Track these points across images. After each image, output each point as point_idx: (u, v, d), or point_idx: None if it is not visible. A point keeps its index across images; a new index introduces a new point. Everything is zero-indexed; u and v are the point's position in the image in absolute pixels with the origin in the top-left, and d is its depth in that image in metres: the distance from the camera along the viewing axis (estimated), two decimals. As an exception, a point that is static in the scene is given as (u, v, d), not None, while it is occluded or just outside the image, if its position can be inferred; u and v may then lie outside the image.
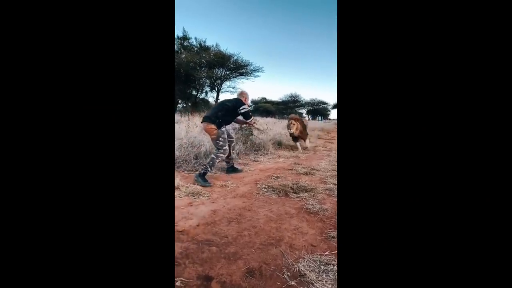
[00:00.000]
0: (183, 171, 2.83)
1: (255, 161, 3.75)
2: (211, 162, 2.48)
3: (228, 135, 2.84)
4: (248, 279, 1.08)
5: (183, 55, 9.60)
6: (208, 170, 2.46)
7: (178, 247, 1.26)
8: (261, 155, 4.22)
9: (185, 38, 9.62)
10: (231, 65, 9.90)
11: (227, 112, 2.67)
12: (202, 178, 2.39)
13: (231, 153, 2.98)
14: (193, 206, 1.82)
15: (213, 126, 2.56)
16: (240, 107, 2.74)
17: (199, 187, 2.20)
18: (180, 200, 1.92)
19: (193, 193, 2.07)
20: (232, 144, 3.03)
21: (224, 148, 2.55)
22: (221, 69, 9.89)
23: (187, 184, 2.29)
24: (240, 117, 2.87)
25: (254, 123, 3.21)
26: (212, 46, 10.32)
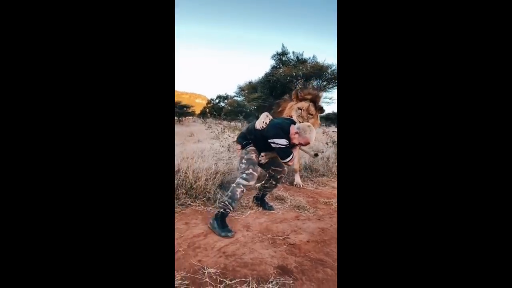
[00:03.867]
0: (284, 182, 2.94)
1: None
2: (231, 195, 1.65)
3: (269, 160, 1.88)
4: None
5: (281, 70, 10.13)
6: (229, 209, 1.63)
7: (293, 261, 1.31)
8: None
9: (283, 53, 10.18)
10: (329, 76, 9.74)
11: (258, 140, 1.81)
12: (220, 222, 1.58)
13: (272, 184, 2.00)
14: (300, 220, 1.86)
15: (238, 146, 1.91)
16: (272, 137, 1.68)
17: (303, 201, 2.22)
18: (286, 213, 2.00)
19: (298, 206, 2.11)
20: (279, 176, 1.95)
21: (247, 172, 1.69)
22: (318, 80, 9.88)
23: (291, 196, 2.36)
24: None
25: (289, 164, 1.81)
26: (309, 59, 10.44)
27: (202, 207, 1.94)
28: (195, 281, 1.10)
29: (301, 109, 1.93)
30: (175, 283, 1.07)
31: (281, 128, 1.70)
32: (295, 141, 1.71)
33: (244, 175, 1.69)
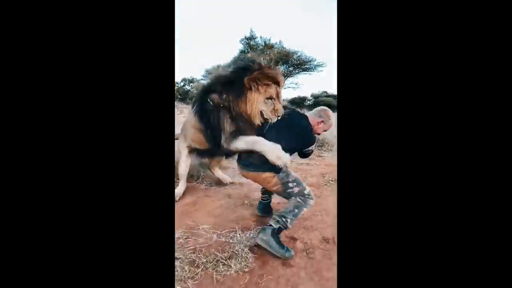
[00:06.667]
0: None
1: (319, 156, 3.97)
2: (296, 213, 1.35)
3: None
4: (324, 244, 1.41)
5: (249, 54, 10.32)
6: (287, 227, 1.35)
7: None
8: (325, 151, 4.40)
9: (251, 38, 10.29)
10: (295, 62, 10.21)
11: (293, 140, 1.44)
12: (277, 239, 1.32)
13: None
14: (271, 189, 2.24)
15: (267, 175, 1.38)
16: (308, 145, 1.56)
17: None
18: (260, 184, 2.37)
19: (269, 179, 2.50)
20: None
21: (298, 189, 1.38)
22: (285, 66, 10.31)
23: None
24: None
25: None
26: (276, 44, 10.71)
27: (187, 183, 2.20)
28: (193, 233, 1.41)
29: (271, 99, 1.36)
30: (178, 235, 1.36)
31: (306, 130, 1.53)
32: (319, 131, 1.58)
33: (309, 198, 1.39)
